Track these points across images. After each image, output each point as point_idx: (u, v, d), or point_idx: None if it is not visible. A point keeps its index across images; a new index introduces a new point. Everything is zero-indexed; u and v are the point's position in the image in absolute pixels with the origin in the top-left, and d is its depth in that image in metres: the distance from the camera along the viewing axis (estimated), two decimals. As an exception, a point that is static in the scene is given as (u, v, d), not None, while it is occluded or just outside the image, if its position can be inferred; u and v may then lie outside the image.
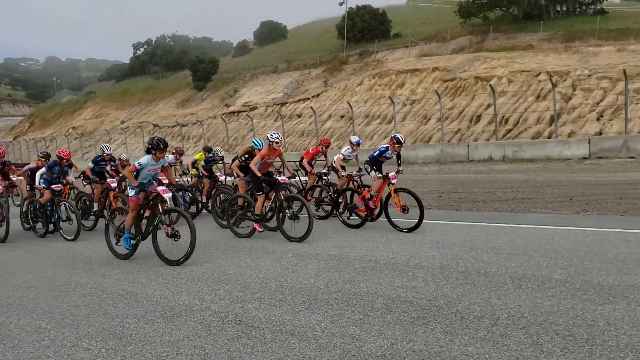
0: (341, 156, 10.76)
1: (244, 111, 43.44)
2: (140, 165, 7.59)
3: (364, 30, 50.24)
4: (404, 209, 9.03)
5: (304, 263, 6.94)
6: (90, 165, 12.04)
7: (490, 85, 26.64)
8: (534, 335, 4.04)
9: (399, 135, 9.42)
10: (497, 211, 10.33)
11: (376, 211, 9.58)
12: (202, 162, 13.02)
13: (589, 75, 26.35)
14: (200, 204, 12.68)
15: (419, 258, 6.79)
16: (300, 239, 8.36)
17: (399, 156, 9.67)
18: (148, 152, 7.64)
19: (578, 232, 7.84)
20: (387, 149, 9.49)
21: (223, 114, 43.81)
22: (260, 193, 9.22)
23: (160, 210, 7.34)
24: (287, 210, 8.89)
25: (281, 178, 9.00)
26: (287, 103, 41.39)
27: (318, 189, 11.23)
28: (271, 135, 9.16)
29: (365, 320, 4.59)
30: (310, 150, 11.54)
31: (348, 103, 31.17)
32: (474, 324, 4.35)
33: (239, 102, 47.00)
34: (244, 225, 9.48)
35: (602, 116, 23.34)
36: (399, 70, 37.27)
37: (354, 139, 10.91)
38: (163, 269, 7.06)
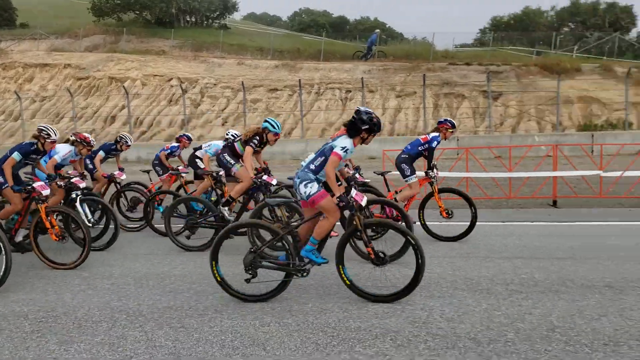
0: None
1: None
2: (345, 152, 4.96)
3: (-17, 16, 43.41)
4: (449, 214, 7.46)
5: None
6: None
7: (123, 86, 26.58)
8: (149, 332, 4.34)
9: (452, 120, 7.79)
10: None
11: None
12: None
13: (215, 84, 28.89)
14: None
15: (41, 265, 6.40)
16: None
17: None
18: (355, 132, 5.01)
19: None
20: (437, 139, 7.55)
21: None
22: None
23: (359, 226, 4.89)
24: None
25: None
26: None
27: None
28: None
29: (-34, 347, 4.14)
30: None
31: (-42, 96, 26.55)
32: (91, 330, 4.42)
33: None
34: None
35: (226, 122, 25.87)
36: (27, 63, 33.66)
37: None
38: None
